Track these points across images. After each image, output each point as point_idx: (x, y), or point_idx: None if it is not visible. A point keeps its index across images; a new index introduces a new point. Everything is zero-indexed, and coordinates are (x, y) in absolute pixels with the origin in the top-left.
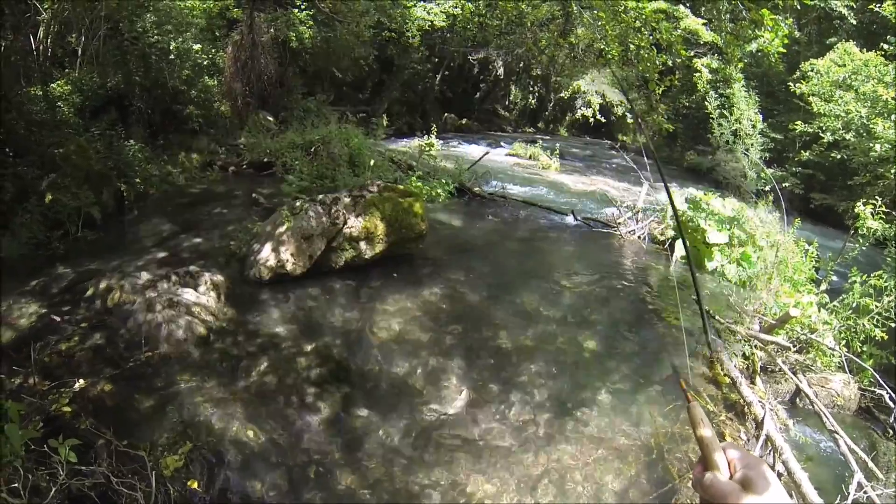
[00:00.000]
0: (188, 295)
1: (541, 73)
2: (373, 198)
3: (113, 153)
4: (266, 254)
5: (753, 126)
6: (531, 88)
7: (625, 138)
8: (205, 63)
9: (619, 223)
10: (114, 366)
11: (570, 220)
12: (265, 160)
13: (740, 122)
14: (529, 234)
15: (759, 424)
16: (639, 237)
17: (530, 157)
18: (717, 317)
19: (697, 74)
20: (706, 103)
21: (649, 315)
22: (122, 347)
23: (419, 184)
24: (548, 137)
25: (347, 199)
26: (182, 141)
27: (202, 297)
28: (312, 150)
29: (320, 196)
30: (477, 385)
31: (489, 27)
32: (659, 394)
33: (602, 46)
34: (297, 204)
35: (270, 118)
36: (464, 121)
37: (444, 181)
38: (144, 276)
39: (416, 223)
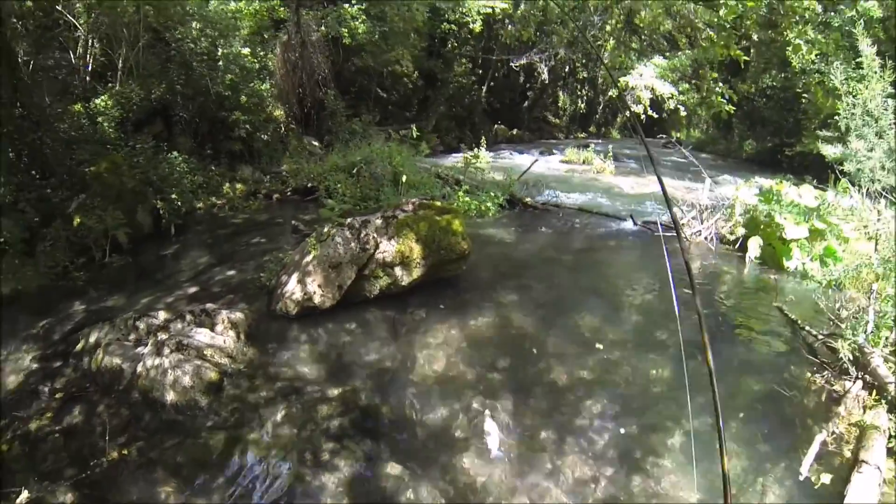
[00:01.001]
0: (201, 336)
1: (588, 74)
2: (406, 218)
3: (150, 167)
4: (292, 286)
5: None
6: (579, 92)
7: (679, 134)
8: (255, 67)
9: (683, 224)
10: (79, 465)
11: (628, 225)
12: (309, 185)
13: (870, 101)
14: (586, 245)
15: None
16: (705, 238)
17: (584, 162)
18: (808, 327)
19: (790, 49)
20: (807, 80)
21: (727, 329)
22: (98, 431)
23: (466, 198)
24: (600, 141)
25: (379, 222)
26: (227, 168)
27: (218, 337)
28: (355, 171)
29: (349, 220)
30: (528, 432)
31: (549, 14)
32: (748, 429)
33: (668, 28)
34: (325, 230)
35: (315, 143)
36: (514, 131)
37: (493, 194)
38: (161, 315)
39: (456, 242)
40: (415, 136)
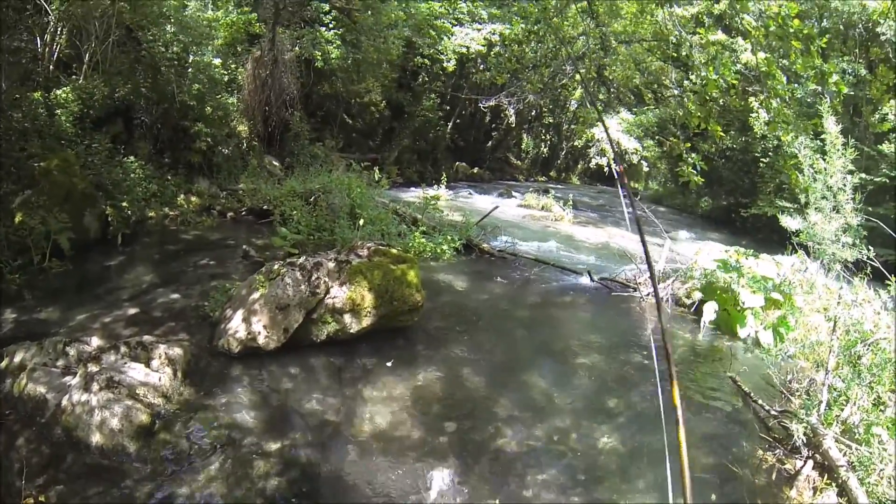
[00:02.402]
0: (134, 373)
1: (553, 120)
2: (360, 265)
3: (104, 170)
4: (236, 323)
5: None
6: (543, 137)
7: (637, 185)
8: (224, 79)
9: (639, 284)
10: None
11: (585, 280)
12: (264, 207)
13: (829, 175)
14: (541, 299)
15: None
16: (661, 299)
17: (542, 209)
18: (760, 401)
19: (754, 115)
20: (762, 146)
21: (684, 398)
22: (15, 469)
23: (422, 240)
24: (560, 186)
25: (331, 265)
26: (184, 179)
27: (153, 374)
28: (312, 199)
29: (300, 260)
30: (472, 500)
31: (524, 59)
32: None
33: (637, 83)
34: (275, 268)
35: (276, 163)
36: (475, 169)
37: (450, 237)
38: (95, 341)
39: (409, 294)
40: (377, 176)
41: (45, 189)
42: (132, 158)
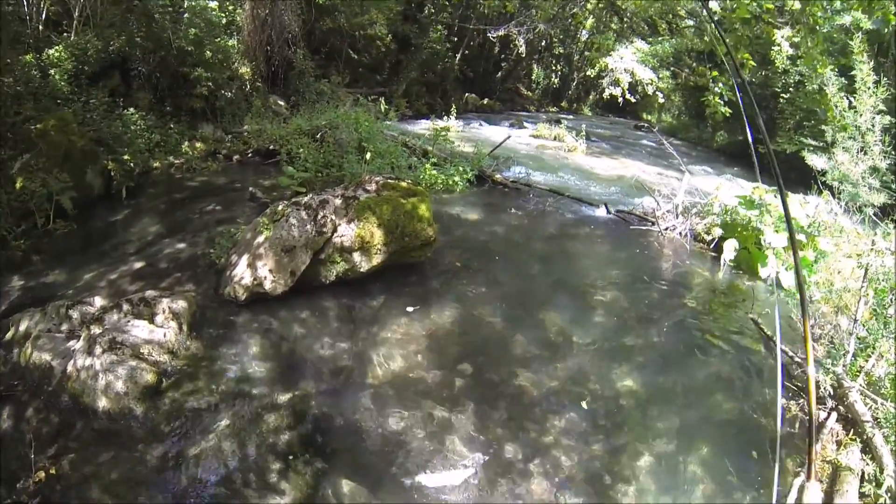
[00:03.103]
0: (138, 331)
1: (564, 50)
2: (368, 200)
3: (104, 125)
4: (242, 269)
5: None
6: (554, 67)
7: (650, 117)
8: (222, 21)
9: (658, 218)
10: (6, 485)
11: (601, 212)
12: (271, 147)
13: (858, 113)
14: (557, 232)
15: None
16: (680, 234)
17: (555, 139)
18: (784, 347)
19: (776, 49)
20: (783, 81)
21: (700, 339)
22: (26, 440)
23: (434, 172)
24: (571, 117)
25: (338, 202)
26: (187, 126)
27: (157, 330)
28: (319, 136)
29: (305, 198)
30: (491, 448)
31: None
32: (718, 457)
33: (651, 13)
34: (279, 208)
35: (281, 102)
36: (485, 101)
37: (461, 168)
38: (98, 301)
39: (421, 229)
40: (383, 108)
41: (44, 151)
42: (132, 110)
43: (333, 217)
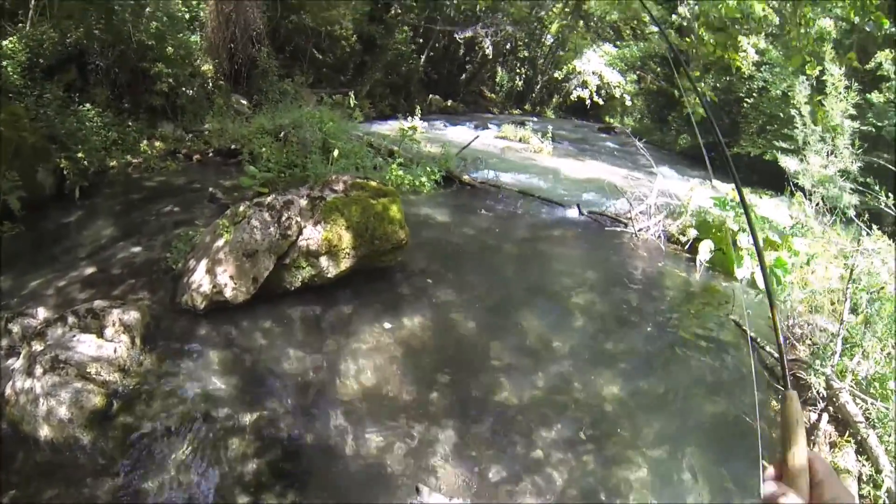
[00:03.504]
0: (84, 347)
1: (528, 54)
2: (336, 200)
3: (57, 121)
4: (200, 276)
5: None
6: (518, 70)
7: (612, 121)
8: (186, 16)
9: (631, 219)
10: None
11: (573, 213)
12: (232, 147)
13: (826, 120)
14: (529, 234)
15: None
16: (654, 235)
17: (520, 141)
18: (767, 347)
19: (743, 54)
20: (760, 87)
21: (681, 342)
22: None
23: (400, 172)
24: (535, 119)
25: (304, 202)
26: (147, 124)
27: (107, 345)
28: (282, 135)
29: (269, 199)
30: (476, 467)
31: None
32: (712, 463)
33: (614, 18)
34: (241, 209)
35: (244, 101)
36: (449, 103)
37: (429, 169)
38: (41, 313)
39: (392, 231)
40: (352, 104)
41: None
42: (88, 106)
43: (299, 219)
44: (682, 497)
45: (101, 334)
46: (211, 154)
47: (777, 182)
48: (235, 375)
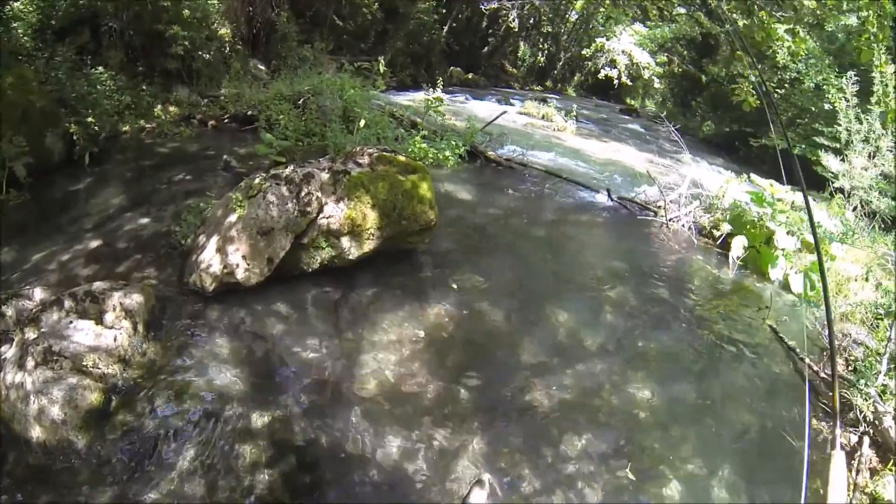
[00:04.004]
0: (81, 335)
1: (552, 29)
2: (361, 175)
3: (68, 84)
4: (210, 254)
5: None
6: (541, 46)
7: (633, 102)
8: None
9: (660, 208)
10: None
11: (602, 198)
12: (249, 113)
13: (868, 118)
14: (557, 217)
15: None
16: (683, 226)
17: (543, 118)
18: (807, 359)
19: (779, 43)
20: (792, 77)
21: (716, 345)
22: None
23: (423, 145)
24: (556, 96)
25: (325, 176)
26: (161, 88)
27: (106, 333)
28: (301, 102)
29: (286, 171)
30: (505, 477)
31: None
32: (751, 484)
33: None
34: (256, 181)
35: (262, 67)
36: (470, 75)
37: (453, 143)
38: (38, 294)
39: (422, 211)
40: (380, 70)
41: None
42: (100, 69)
43: (319, 194)
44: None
45: (100, 320)
46: (227, 120)
47: (804, 177)
48: (247, 367)
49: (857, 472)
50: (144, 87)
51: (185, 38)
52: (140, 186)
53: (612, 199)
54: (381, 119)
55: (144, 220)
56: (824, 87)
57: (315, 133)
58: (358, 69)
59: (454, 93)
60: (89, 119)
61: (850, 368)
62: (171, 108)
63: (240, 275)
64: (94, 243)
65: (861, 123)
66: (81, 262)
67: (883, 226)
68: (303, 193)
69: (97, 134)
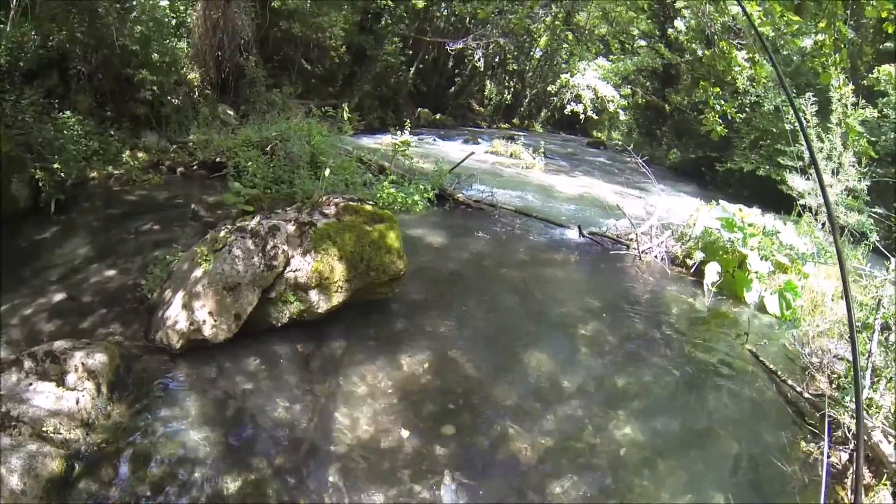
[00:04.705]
0: (41, 398)
1: (517, 67)
2: (327, 227)
3: (35, 129)
4: (176, 310)
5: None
6: (507, 83)
7: (600, 135)
8: (172, 22)
9: (632, 240)
10: None
11: (573, 234)
12: (217, 160)
13: (828, 138)
14: (529, 258)
15: None
16: (657, 257)
17: (511, 156)
18: (789, 380)
19: (738, 69)
20: (752, 101)
21: (696, 376)
22: None
23: (392, 190)
24: (523, 133)
25: (291, 228)
26: (130, 133)
27: (68, 395)
28: (269, 148)
29: (252, 223)
30: None
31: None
32: None
33: (603, 32)
34: (221, 235)
35: (231, 112)
36: (438, 116)
37: (422, 187)
38: None
39: (390, 262)
40: (346, 116)
41: None
42: (68, 113)
43: (286, 247)
44: None
45: (61, 382)
46: (195, 167)
47: (769, 197)
48: (217, 428)
49: (853, 491)
50: (112, 133)
51: (154, 83)
52: (107, 236)
53: (583, 236)
54: (349, 164)
55: (111, 273)
56: (783, 108)
57: (284, 180)
58: (325, 114)
59: (422, 134)
60: (56, 165)
61: (833, 386)
62: (140, 154)
63: (207, 331)
64: (59, 296)
65: (822, 142)
66: (45, 317)
67: (852, 240)
68: (269, 247)
69: (64, 180)
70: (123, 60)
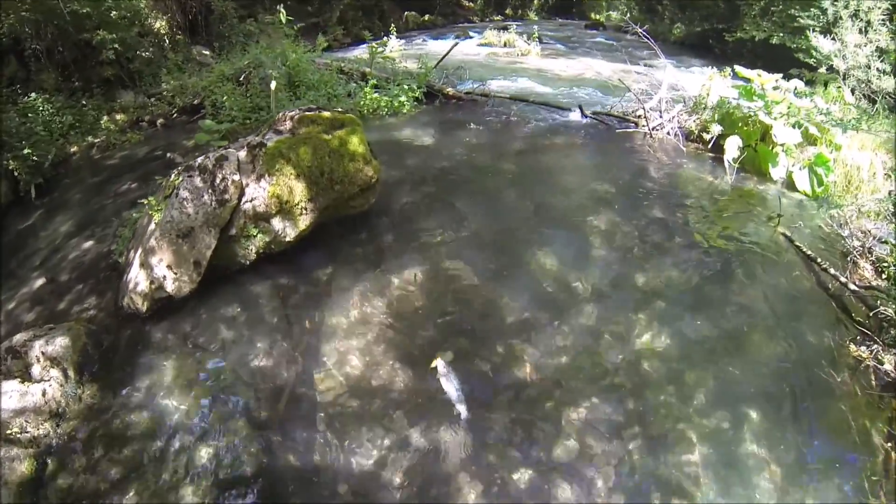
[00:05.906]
0: (5, 399)
1: None
2: (278, 144)
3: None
4: (135, 271)
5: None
6: None
7: (598, 17)
8: None
9: (640, 117)
10: None
11: (575, 116)
12: (195, 102)
13: None
14: (528, 145)
15: None
16: (668, 133)
17: (505, 45)
18: (833, 270)
19: None
20: None
21: (724, 267)
22: None
23: (375, 95)
24: (518, 22)
25: (242, 154)
26: (103, 98)
27: (34, 388)
28: (243, 78)
29: (199, 160)
30: (494, 475)
31: None
32: (784, 439)
33: None
34: (171, 179)
35: (206, 52)
36: (426, 17)
37: (407, 87)
38: None
39: (356, 170)
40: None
41: None
42: (33, 96)
43: (236, 177)
44: (753, 487)
45: (26, 376)
46: (175, 115)
47: (784, 67)
48: (195, 390)
49: None
50: (85, 102)
51: (115, 41)
52: (88, 207)
53: (585, 116)
54: (329, 77)
55: (87, 244)
56: None
57: (262, 107)
58: (299, 31)
59: (411, 37)
60: (26, 151)
61: (882, 276)
62: (119, 116)
63: (169, 287)
64: (38, 283)
65: None
66: (26, 307)
67: (886, 106)
68: (217, 180)
69: (40, 164)
70: (78, 27)
